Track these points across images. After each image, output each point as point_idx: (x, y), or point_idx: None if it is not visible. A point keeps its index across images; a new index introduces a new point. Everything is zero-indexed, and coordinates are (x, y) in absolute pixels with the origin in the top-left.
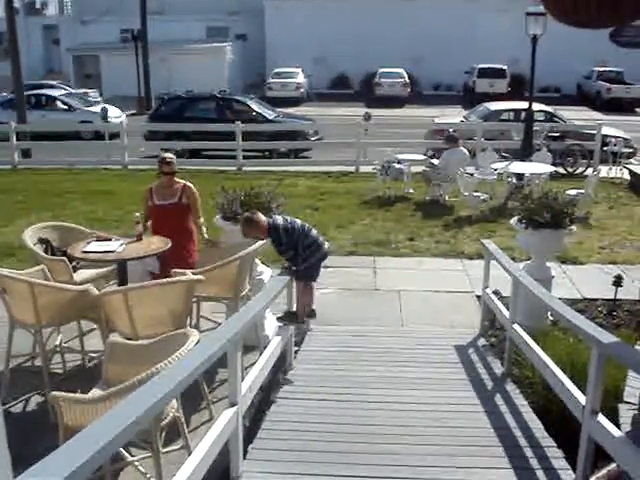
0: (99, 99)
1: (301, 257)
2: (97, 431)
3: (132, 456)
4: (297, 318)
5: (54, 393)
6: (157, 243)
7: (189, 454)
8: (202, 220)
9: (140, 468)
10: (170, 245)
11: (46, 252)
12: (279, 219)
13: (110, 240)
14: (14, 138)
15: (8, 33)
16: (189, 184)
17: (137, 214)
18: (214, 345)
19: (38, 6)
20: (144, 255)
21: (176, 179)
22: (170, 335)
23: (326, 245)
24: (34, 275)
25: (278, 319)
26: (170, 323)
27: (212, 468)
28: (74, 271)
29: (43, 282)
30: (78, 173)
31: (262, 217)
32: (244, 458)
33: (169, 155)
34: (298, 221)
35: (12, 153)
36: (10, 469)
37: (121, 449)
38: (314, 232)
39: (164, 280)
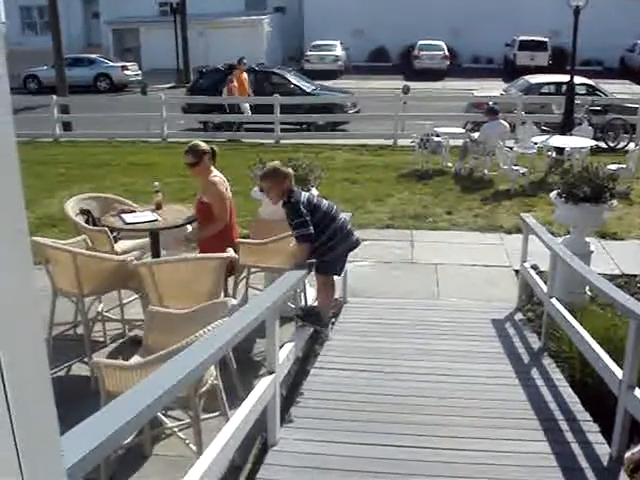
0: (138, 72)
1: (326, 246)
2: (137, 395)
3: (172, 423)
4: (321, 320)
5: (96, 359)
6: (186, 212)
7: (227, 421)
8: (218, 226)
9: (180, 434)
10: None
11: (87, 223)
12: (303, 192)
13: (134, 212)
14: (55, 111)
15: (49, 7)
16: (213, 181)
17: (156, 183)
18: (253, 313)
19: None
20: (177, 225)
21: (213, 170)
22: (209, 304)
23: (355, 235)
24: (76, 245)
25: (296, 317)
26: (202, 298)
27: (249, 434)
28: (115, 242)
29: (85, 252)
30: (118, 146)
31: (292, 176)
32: (281, 426)
33: (194, 143)
34: (326, 201)
35: (54, 126)
36: (58, 432)
37: (161, 416)
38: (342, 216)
39: (191, 256)
